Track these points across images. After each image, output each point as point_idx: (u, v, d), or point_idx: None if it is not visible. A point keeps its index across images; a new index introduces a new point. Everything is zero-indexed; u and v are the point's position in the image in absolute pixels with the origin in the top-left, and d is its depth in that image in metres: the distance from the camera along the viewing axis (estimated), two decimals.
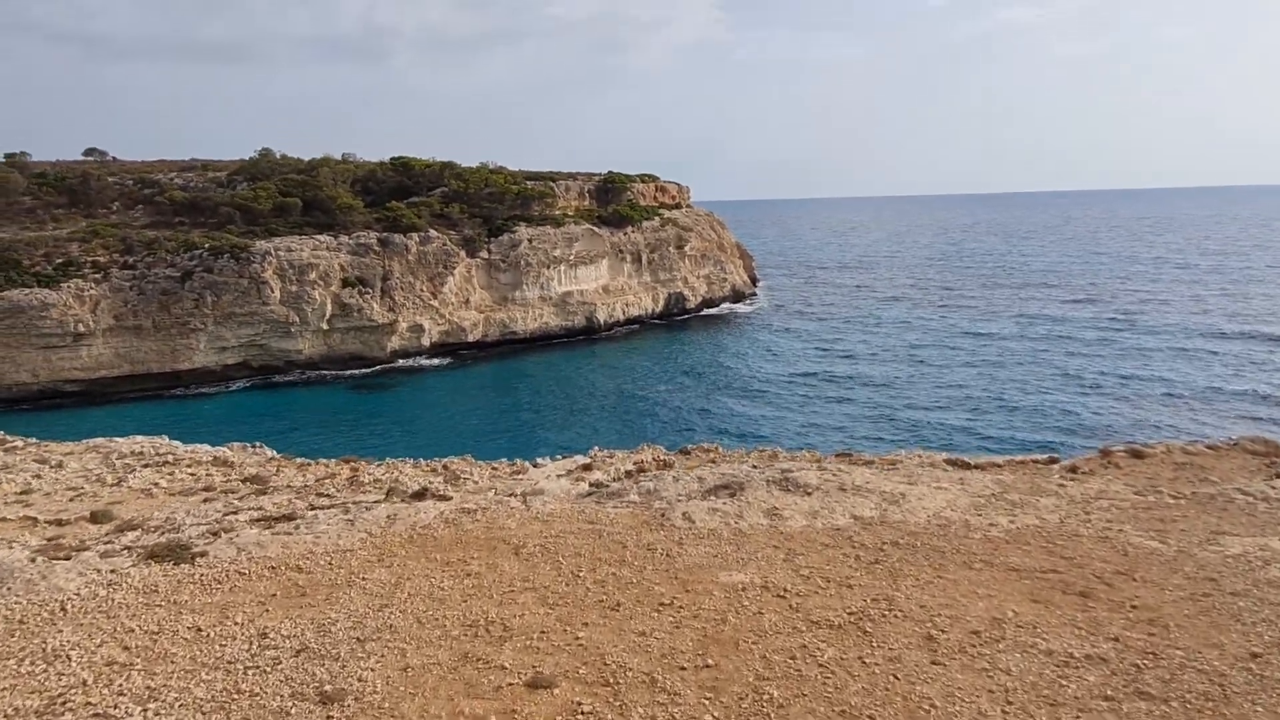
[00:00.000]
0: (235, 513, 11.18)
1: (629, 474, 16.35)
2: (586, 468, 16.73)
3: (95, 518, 14.33)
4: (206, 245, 70.38)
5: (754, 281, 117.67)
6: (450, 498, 14.21)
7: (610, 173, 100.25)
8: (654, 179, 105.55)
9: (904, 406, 55.69)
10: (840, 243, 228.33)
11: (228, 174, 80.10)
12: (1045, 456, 16.31)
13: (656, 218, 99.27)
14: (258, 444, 23.94)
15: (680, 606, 8.11)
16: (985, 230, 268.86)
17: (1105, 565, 9.15)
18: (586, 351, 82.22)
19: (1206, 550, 9.50)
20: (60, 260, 68.16)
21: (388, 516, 10.54)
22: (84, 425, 59.93)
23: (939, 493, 11.49)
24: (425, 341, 78.59)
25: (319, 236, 74.55)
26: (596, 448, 18.85)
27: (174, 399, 66.99)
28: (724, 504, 10.72)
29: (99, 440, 23.07)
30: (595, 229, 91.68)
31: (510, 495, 13.97)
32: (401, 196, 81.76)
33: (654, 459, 17.00)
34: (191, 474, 18.26)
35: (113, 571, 9.03)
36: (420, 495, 14.69)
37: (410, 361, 77.05)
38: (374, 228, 76.99)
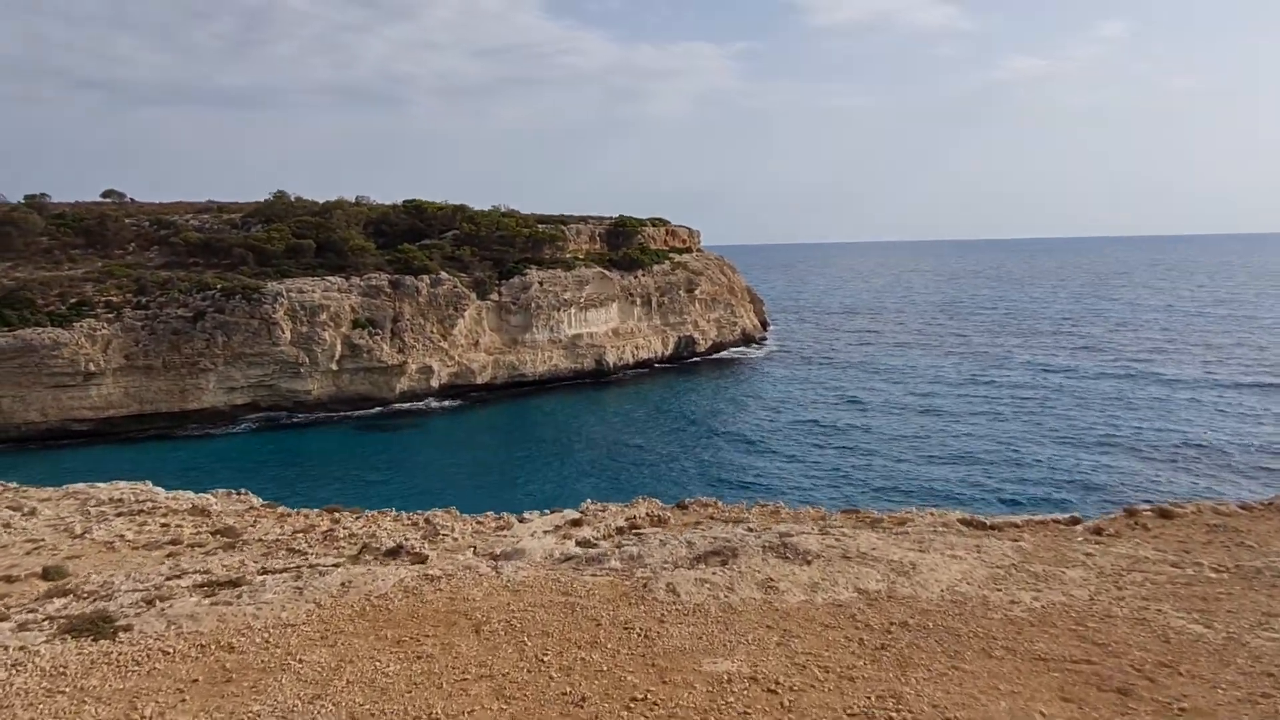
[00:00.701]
0: (179, 576, 10.13)
1: (620, 530, 15.22)
2: (576, 523, 15.60)
3: (48, 574, 13.30)
4: (219, 286, 70.23)
5: (764, 325, 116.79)
6: (426, 556, 13.12)
7: (621, 216, 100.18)
8: (664, 223, 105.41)
9: (915, 459, 53.65)
10: (850, 287, 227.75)
11: (242, 215, 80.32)
12: (1067, 517, 15.08)
13: (667, 261, 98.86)
14: (243, 491, 22.92)
15: (654, 703, 6.95)
16: (995, 276, 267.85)
17: (1145, 655, 7.93)
18: (594, 395, 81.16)
19: (1259, 637, 8.27)
20: (74, 300, 68.09)
21: (341, 584, 9.45)
22: (87, 465, 59.18)
23: (953, 562, 10.30)
24: (434, 383, 77.83)
25: (330, 278, 74.34)
26: (589, 501, 17.72)
27: (181, 439, 66.23)
28: (714, 574, 9.57)
29: (79, 486, 22.12)
30: (606, 272, 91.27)
31: (488, 555, 12.85)
32: (414, 239, 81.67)
33: (648, 514, 15.86)
34: (164, 524, 17.24)
35: (22, 649, 7.97)
36: (394, 553, 13.61)
37: (420, 404, 76.23)
38: (385, 269, 76.77)
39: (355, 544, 14.58)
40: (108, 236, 73.34)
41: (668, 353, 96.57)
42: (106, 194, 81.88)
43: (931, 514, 16.12)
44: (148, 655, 7.87)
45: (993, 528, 14.38)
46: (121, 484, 22.77)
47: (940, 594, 9.35)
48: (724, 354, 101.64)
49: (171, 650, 7.97)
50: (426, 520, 16.03)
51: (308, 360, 71.80)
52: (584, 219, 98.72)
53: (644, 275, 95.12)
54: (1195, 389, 71.54)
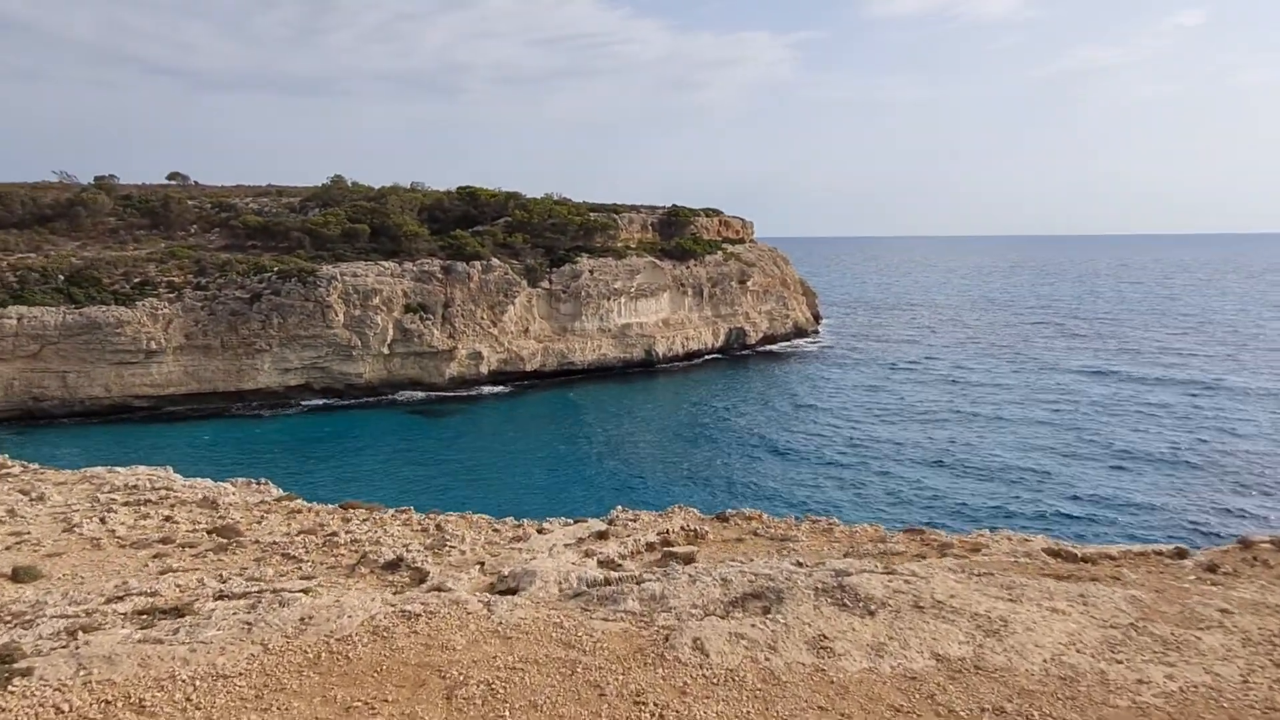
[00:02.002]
0: (122, 598, 8.50)
1: (650, 546, 13.25)
2: (601, 535, 13.69)
3: (17, 575, 11.90)
4: (275, 269, 70.11)
5: (817, 319, 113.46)
6: (425, 573, 11.35)
7: (674, 206, 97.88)
8: (718, 213, 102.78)
9: (974, 469, 49.59)
10: (907, 282, 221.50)
11: (300, 200, 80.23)
12: (1172, 548, 12.67)
13: (719, 252, 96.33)
14: (262, 481, 21.57)
15: None
16: (1055, 273, 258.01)
17: None
18: (642, 385, 79.26)
19: None
20: (138, 279, 68.61)
21: (300, 619, 7.69)
22: (146, 441, 59.51)
23: (1055, 618, 8.09)
24: (483, 369, 76.83)
25: (384, 262, 73.72)
26: (620, 507, 15.79)
27: (235, 418, 66.31)
28: (753, 626, 7.56)
29: (97, 470, 21.00)
30: (657, 261, 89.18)
31: (494, 575, 11.02)
32: (466, 225, 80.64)
33: (683, 528, 13.87)
34: (166, 517, 15.85)
35: None
36: (393, 566, 11.89)
37: (470, 390, 75.30)
38: (438, 255, 75.89)
39: (355, 552, 12.92)
40: (171, 218, 73.79)
41: (718, 344, 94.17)
42: (171, 176, 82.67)
43: (1008, 538, 13.82)
44: (35, 713, 6.17)
45: (1085, 560, 12.07)
46: (141, 469, 21.61)
47: (1043, 665, 7.18)
48: (775, 347, 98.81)
49: (65, 707, 6.26)
50: (438, 526, 14.29)
51: (359, 343, 71.34)
52: (636, 208, 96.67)
53: (696, 265, 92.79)
54: (1264, 400, 66.64)
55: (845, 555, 12.75)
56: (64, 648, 7.16)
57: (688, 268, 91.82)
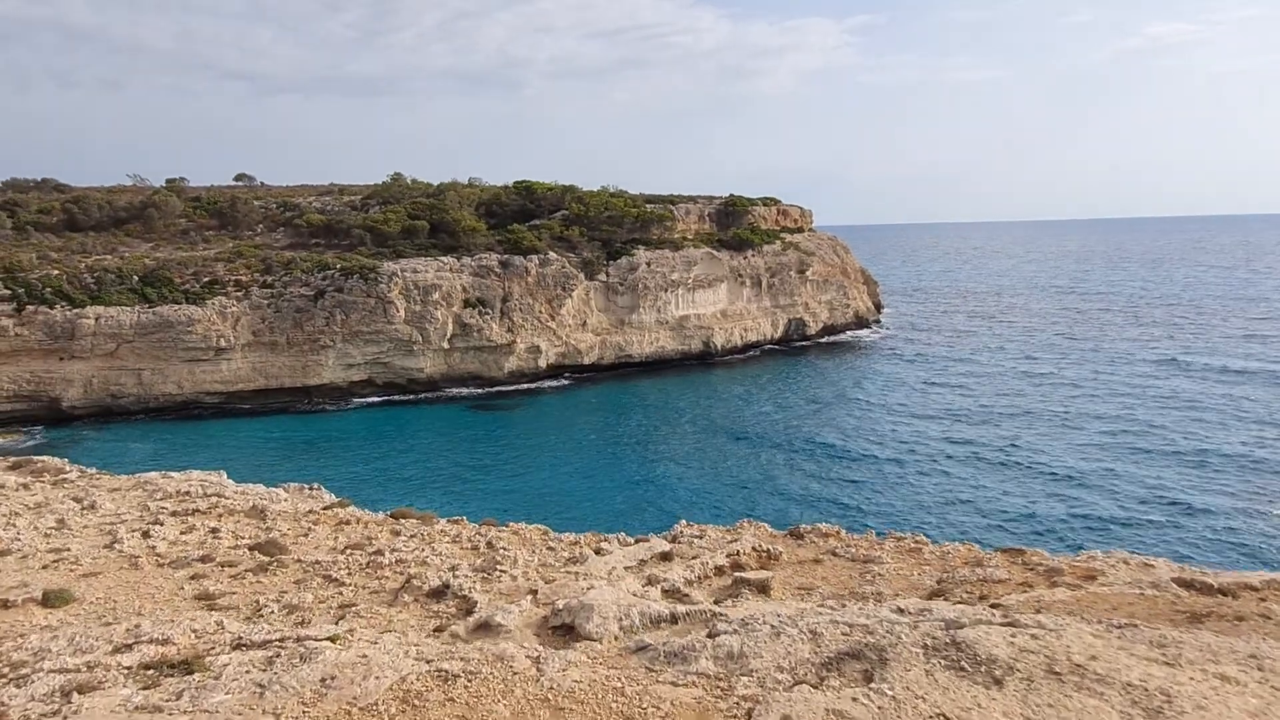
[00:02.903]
0: (130, 647, 7.53)
1: (720, 570, 11.89)
2: (665, 557, 12.37)
3: (48, 600, 11.17)
4: (338, 266, 70.59)
5: (879, 308, 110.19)
6: (473, 603, 10.21)
7: (731, 196, 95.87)
8: (775, 202, 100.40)
9: (1053, 472, 45.72)
10: (971, 269, 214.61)
11: (361, 198, 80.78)
12: None
13: (778, 241, 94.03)
14: (315, 485, 20.84)
15: None
16: (1130, 257, 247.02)
17: None
18: (701, 378, 77.70)
19: None
20: (207, 279, 69.81)
21: (321, 680, 6.59)
22: (214, 437, 60.44)
23: (1228, 691, 6.49)
24: (542, 363, 76.33)
25: (443, 258, 73.66)
26: (683, 521, 14.47)
27: (301, 414, 67.01)
28: (854, 701, 6.16)
29: (151, 475, 20.54)
30: (715, 252, 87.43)
31: (548, 609, 9.82)
32: (523, 219, 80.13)
33: (754, 548, 12.46)
34: (213, 529, 15.10)
35: None
36: (438, 594, 10.78)
37: (529, 384, 74.86)
38: (495, 250, 75.54)
39: (400, 574, 11.88)
40: (238, 218, 74.93)
41: (777, 335, 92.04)
42: (238, 177, 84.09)
43: (1125, 562, 12.08)
44: None
45: (1222, 592, 10.32)
46: (195, 474, 21.09)
47: None
48: (836, 337, 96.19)
49: None
50: (489, 544, 13.16)
51: (420, 339, 71.44)
52: (693, 199, 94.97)
53: (754, 256, 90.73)
54: None
55: (940, 582, 11.21)
56: (54, 715, 6.16)
57: (745, 258, 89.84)
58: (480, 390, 72.92)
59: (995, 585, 10.89)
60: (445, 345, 72.63)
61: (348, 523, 15.93)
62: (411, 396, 71.49)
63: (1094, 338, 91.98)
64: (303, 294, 69.67)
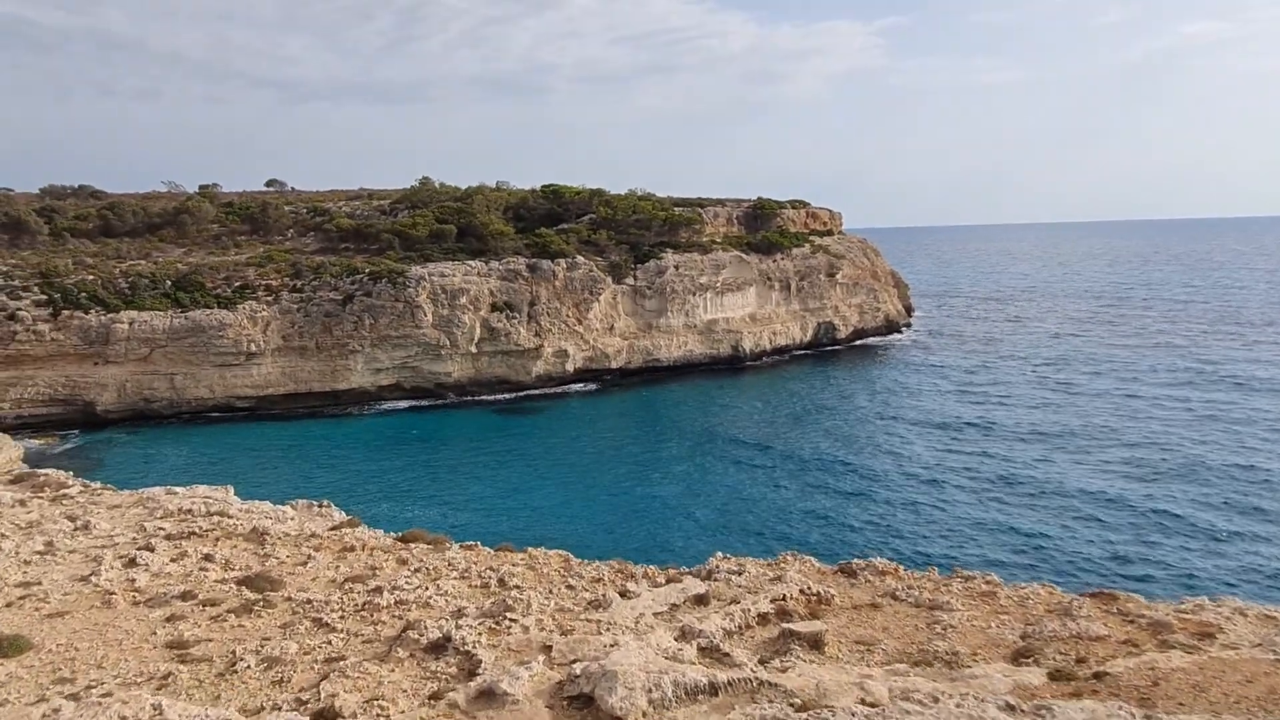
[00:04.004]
0: None
1: (763, 618, 10.20)
2: (700, 600, 10.68)
3: (3, 649, 9.79)
4: (366, 270, 69.79)
5: (909, 311, 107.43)
6: (478, 662, 8.63)
7: (760, 199, 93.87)
8: (804, 205, 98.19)
9: (1108, 499, 41.30)
10: (1002, 272, 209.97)
11: (390, 202, 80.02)
12: None
13: (807, 244, 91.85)
14: (324, 503, 19.48)
15: None
16: (1166, 260, 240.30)
17: None
18: (729, 383, 75.68)
19: None
20: (238, 284, 69.32)
21: None
22: (243, 441, 59.70)
23: None
24: (569, 367, 74.91)
25: (470, 262, 72.58)
26: (719, 555, 12.75)
27: (329, 418, 66.17)
28: None
29: (155, 491, 19.29)
30: (743, 256, 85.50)
31: (562, 669, 8.20)
32: (551, 223, 78.84)
33: (802, 591, 10.74)
34: (206, 556, 13.72)
35: None
36: (438, 649, 9.20)
37: (556, 388, 73.41)
38: (523, 254, 74.31)
39: (398, 618, 10.35)
40: (269, 223, 74.48)
41: (807, 339, 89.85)
42: (269, 183, 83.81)
43: (1242, 613, 10.20)
44: None
45: None
46: (200, 489, 19.80)
47: None
48: (866, 341, 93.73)
49: None
50: (501, 581, 11.57)
51: (448, 343, 70.36)
52: (721, 202, 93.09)
53: (783, 259, 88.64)
54: None
55: (1025, 638, 9.39)
56: None
57: (774, 261, 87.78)
58: (507, 395, 71.68)
59: (1093, 644, 9.10)
60: (473, 349, 71.48)
61: (352, 549, 14.46)
62: (439, 401, 70.41)
63: (1127, 344, 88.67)
64: (332, 298, 68.91)
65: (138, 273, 68.67)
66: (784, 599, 10.40)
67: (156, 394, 65.99)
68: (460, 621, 9.70)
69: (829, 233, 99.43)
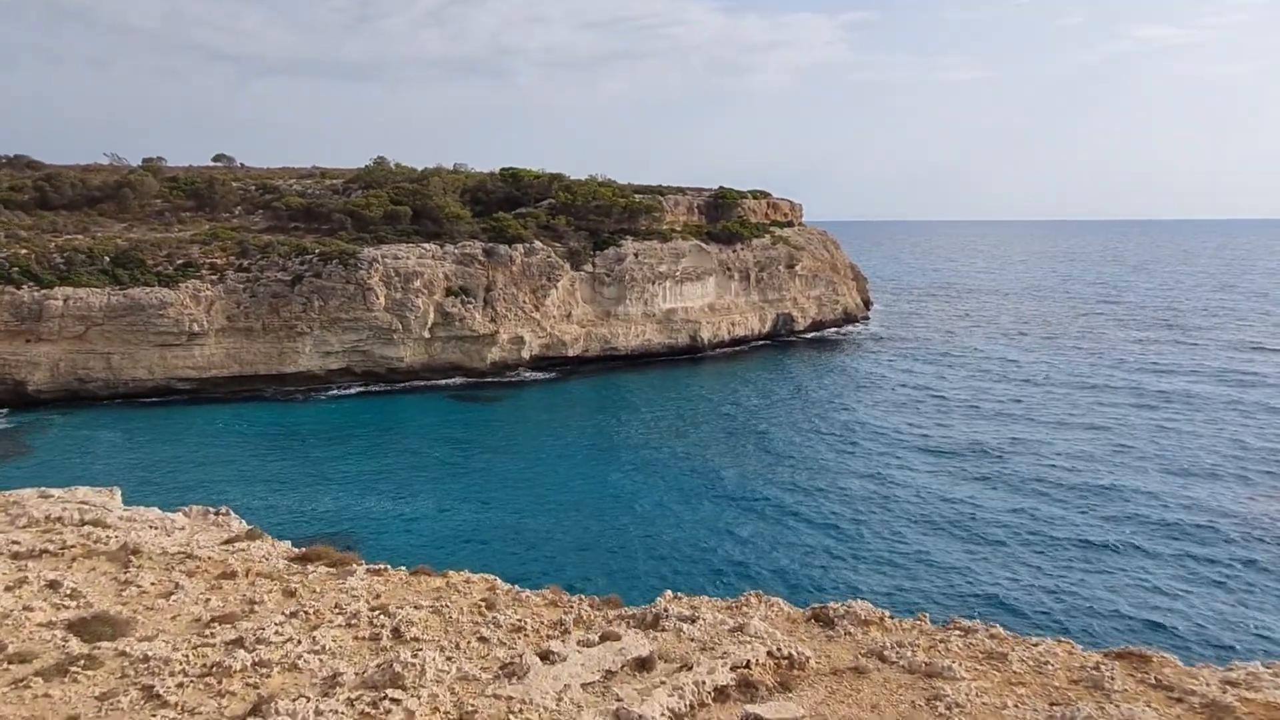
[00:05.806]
0: None
1: (721, 693, 7.87)
2: (642, 665, 8.24)
3: None
4: (316, 251, 66.08)
5: (867, 304, 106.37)
6: None
7: (721, 188, 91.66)
8: (766, 195, 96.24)
9: (1092, 515, 37.82)
10: (959, 266, 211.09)
11: (344, 182, 76.05)
12: None
13: (767, 235, 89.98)
14: (222, 509, 16.53)
15: None
16: (1114, 259, 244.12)
17: None
18: (687, 374, 73.42)
19: None
20: (181, 261, 65.15)
21: None
22: (179, 424, 55.91)
23: None
24: (525, 354, 72.08)
25: (425, 245, 69.22)
26: (668, 595, 10.35)
27: (275, 401, 62.55)
28: None
29: (25, 493, 16.20)
30: (704, 245, 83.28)
31: None
32: (509, 207, 75.69)
33: (769, 655, 8.41)
34: (50, 583, 10.91)
35: None
36: None
37: (512, 375, 70.50)
38: (480, 238, 71.15)
39: (251, 690, 7.78)
40: (215, 200, 70.18)
41: (765, 330, 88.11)
42: (217, 158, 79.12)
43: None
44: None
45: None
46: (82, 491, 16.73)
47: None
48: (824, 333, 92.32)
49: None
50: (396, 632, 9.03)
51: (401, 327, 67.04)
52: (682, 190, 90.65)
53: (743, 249, 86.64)
54: None
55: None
56: None
57: (734, 251, 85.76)
58: (461, 381, 68.64)
59: None
60: (426, 334, 68.26)
61: (233, 575, 11.79)
62: (391, 386, 67.10)
63: (1079, 338, 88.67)
64: (280, 279, 65.10)
65: (74, 248, 64.07)
66: (748, 665, 8.08)
67: (92, 374, 61.73)
68: (326, 702, 7.19)
69: (790, 224, 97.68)
